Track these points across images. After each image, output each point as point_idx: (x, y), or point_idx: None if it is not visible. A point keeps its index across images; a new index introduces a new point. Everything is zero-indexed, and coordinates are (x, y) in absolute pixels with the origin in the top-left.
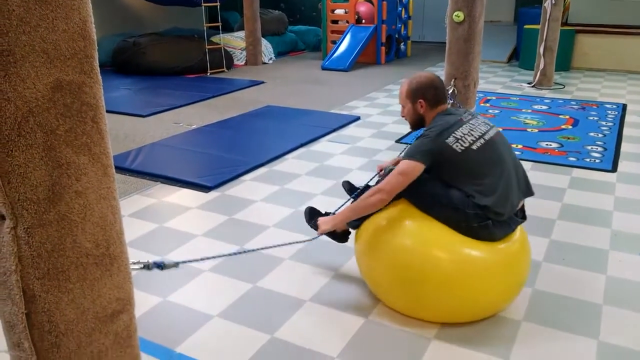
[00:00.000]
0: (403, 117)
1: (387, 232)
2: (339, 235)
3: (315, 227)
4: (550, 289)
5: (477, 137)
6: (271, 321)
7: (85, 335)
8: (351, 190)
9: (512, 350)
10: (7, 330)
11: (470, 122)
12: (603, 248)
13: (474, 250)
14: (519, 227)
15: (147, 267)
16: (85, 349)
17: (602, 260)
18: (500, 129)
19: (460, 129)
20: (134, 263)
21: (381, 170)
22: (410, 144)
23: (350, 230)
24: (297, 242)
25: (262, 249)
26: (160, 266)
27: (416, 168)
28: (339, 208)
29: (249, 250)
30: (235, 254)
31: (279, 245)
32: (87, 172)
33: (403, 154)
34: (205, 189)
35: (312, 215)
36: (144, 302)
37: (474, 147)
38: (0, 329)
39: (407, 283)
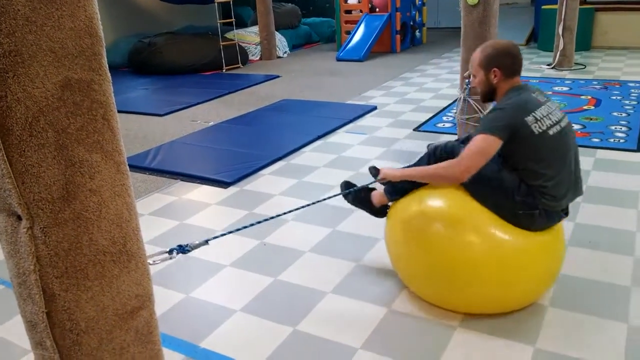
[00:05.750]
0: (473, 87)
1: (421, 216)
2: (377, 210)
3: (353, 199)
4: (576, 273)
5: (555, 122)
6: (293, 314)
7: (106, 332)
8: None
9: (539, 336)
10: (29, 330)
11: (547, 104)
12: (630, 229)
13: (508, 236)
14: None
15: (169, 253)
16: (106, 345)
17: (629, 242)
18: None
19: (540, 109)
20: (154, 255)
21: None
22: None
23: (389, 205)
24: (356, 189)
25: (324, 199)
26: (185, 250)
27: (494, 145)
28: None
29: (310, 204)
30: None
31: (336, 195)
32: (101, 169)
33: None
34: (224, 184)
35: (348, 188)
36: (167, 298)
37: (551, 132)
38: (23, 328)
39: (438, 270)
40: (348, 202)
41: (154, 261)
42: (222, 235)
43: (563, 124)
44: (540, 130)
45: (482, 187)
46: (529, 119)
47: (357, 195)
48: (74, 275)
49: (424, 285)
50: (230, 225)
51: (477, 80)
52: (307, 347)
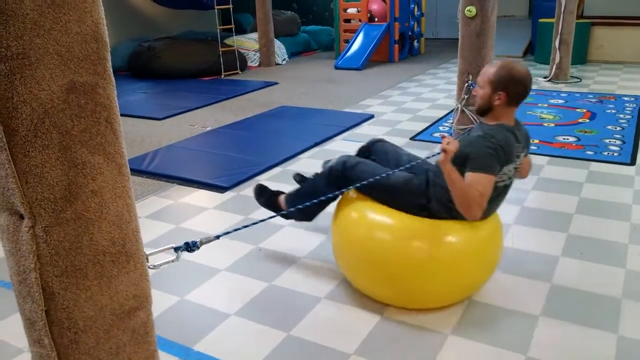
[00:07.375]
0: (474, 95)
1: (361, 227)
2: (285, 214)
3: (265, 202)
4: (568, 283)
5: (510, 177)
6: (287, 319)
7: (104, 332)
8: (302, 182)
9: (530, 345)
10: (27, 327)
11: (520, 155)
12: (622, 242)
13: (447, 236)
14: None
15: (176, 250)
16: (103, 345)
17: (620, 254)
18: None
19: (514, 162)
20: (155, 252)
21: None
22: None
23: (285, 212)
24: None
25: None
26: (192, 248)
27: (493, 184)
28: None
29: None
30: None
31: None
32: (103, 171)
33: (472, 162)
34: (221, 189)
35: (262, 193)
36: (162, 301)
37: (501, 184)
38: (21, 326)
39: (381, 271)
40: (260, 204)
41: (154, 266)
42: (235, 230)
43: (512, 179)
44: (501, 184)
45: (391, 194)
46: (504, 169)
47: (267, 199)
48: (74, 275)
49: (376, 288)
50: (226, 229)
51: (481, 94)
52: (300, 352)
